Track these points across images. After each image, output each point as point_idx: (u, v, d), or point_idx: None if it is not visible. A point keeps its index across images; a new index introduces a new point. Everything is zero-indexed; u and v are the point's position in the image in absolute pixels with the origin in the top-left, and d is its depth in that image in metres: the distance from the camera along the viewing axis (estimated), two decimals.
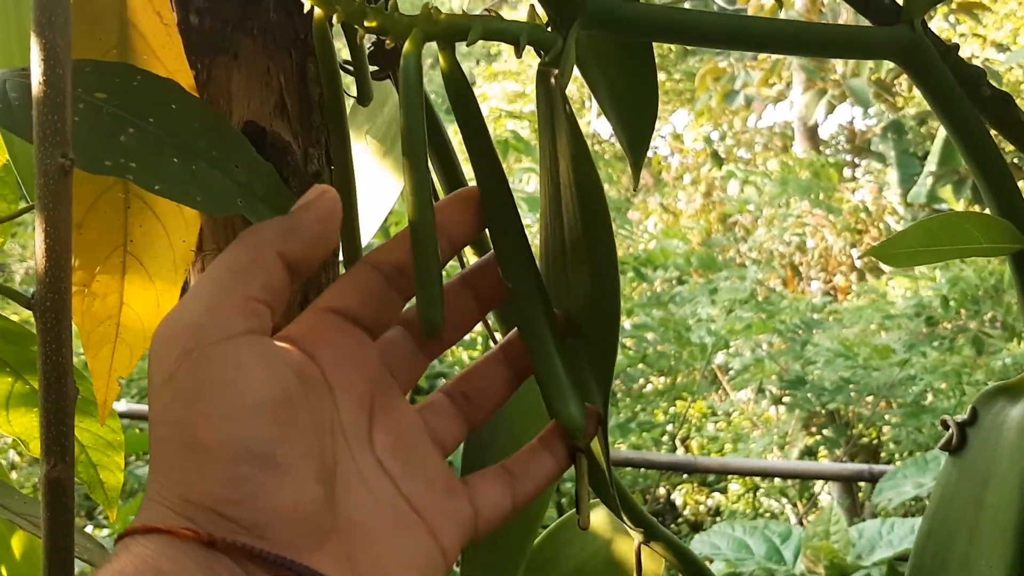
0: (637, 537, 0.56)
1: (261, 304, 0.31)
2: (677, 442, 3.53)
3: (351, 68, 0.47)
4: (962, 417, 0.43)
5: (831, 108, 5.89)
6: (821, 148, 6.45)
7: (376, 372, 0.35)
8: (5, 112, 0.34)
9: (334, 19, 0.36)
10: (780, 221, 4.37)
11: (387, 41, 0.36)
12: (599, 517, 0.61)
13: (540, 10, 0.38)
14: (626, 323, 3.16)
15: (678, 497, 3.64)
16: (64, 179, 0.32)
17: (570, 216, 0.37)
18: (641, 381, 3.21)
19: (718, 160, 5.45)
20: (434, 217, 0.35)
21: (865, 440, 3.56)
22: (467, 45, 0.36)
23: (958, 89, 0.41)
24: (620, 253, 3.40)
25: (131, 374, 0.45)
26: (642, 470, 3.09)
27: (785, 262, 4.56)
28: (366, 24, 0.36)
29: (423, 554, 0.32)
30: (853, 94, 5.07)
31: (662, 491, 3.57)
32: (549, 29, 0.37)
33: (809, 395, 3.14)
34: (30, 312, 0.35)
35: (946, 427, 0.44)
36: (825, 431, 3.55)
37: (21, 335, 0.52)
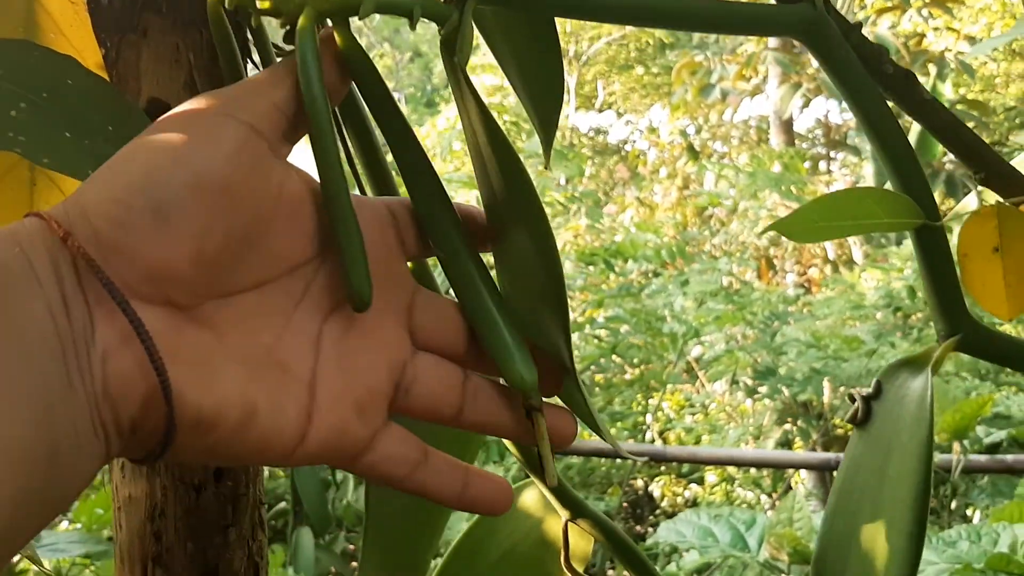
0: (564, 515, 0.56)
1: (284, 113, 0.33)
2: (655, 434, 3.55)
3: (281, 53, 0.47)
4: (867, 390, 0.44)
5: (807, 102, 5.92)
6: (797, 142, 6.47)
7: (390, 288, 0.36)
8: None
9: (226, 2, 0.36)
10: (754, 214, 4.39)
11: (280, 21, 0.36)
12: (530, 497, 0.61)
13: None
14: (599, 315, 3.18)
15: (656, 488, 3.65)
16: None
17: (496, 179, 0.37)
18: (613, 371, 3.22)
19: (694, 154, 5.46)
20: (348, 192, 0.35)
21: (840, 431, 3.59)
22: (359, 19, 0.36)
23: (860, 66, 0.42)
24: (595, 246, 3.41)
25: None
26: (618, 460, 3.10)
27: (760, 255, 4.58)
28: (258, 5, 0.36)
29: (276, 411, 0.32)
30: (827, 87, 5.09)
31: (640, 483, 3.59)
32: (444, 2, 0.37)
33: (781, 386, 3.16)
34: None
35: (853, 401, 0.44)
36: (799, 422, 3.58)
37: None
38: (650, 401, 3.44)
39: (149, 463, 0.32)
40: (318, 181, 0.35)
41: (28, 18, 0.43)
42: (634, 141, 6.80)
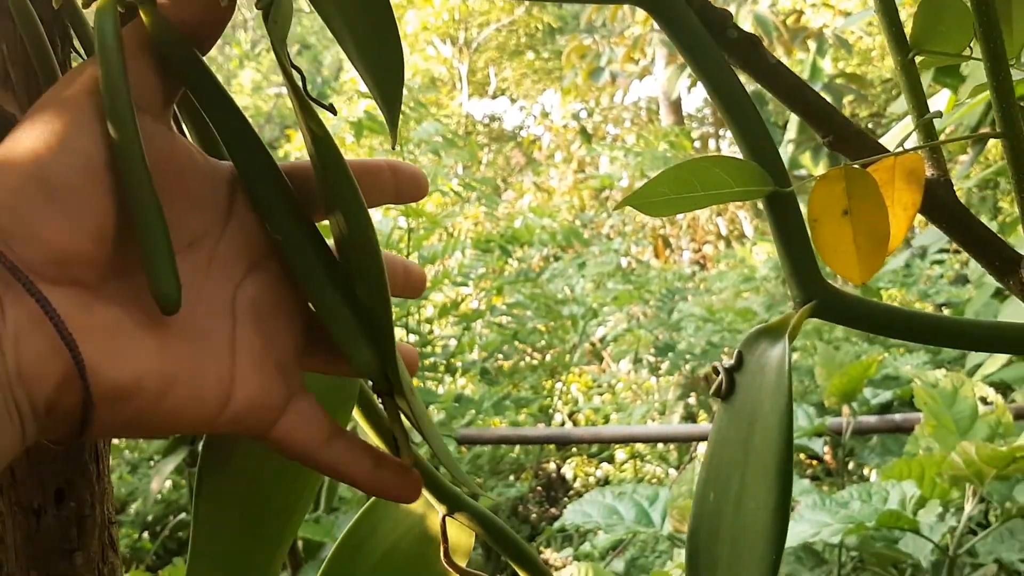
0: (441, 510, 0.55)
1: (159, 80, 0.34)
2: (564, 416, 3.57)
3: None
4: (729, 362, 0.43)
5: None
6: (687, 121, 6.60)
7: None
8: None
9: None
10: None
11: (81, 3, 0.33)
12: None
13: None
14: (499, 303, 3.17)
15: (568, 470, 3.68)
16: None
17: (317, 167, 0.37)
18: (517, 357, 3.23)
19: (587, 137, 5.51)
20: (151, 181, 0.32)
21: None
22: None
23: (703, 32, 0.41)
24: (488, 230, 3.41)
25: None
26: (528, 447, 3.11)
27: (655, 234, 4.65)
28: None
29: (198, 374, 0.33)
30: None
31: (552, 466, 3.61)
32: None
33: (680, 361, 3.21)
34: None
35: (717, 373, 0.44)
36: (701, 396, 3.65)
37: None
38: (558, 385, 3.46)
39: (68, 443, 0.32)
40: (190, 155, 0.35)
41: None
42: (528, 127, 6.82)
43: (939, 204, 0.42)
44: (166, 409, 0.32)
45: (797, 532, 1.52)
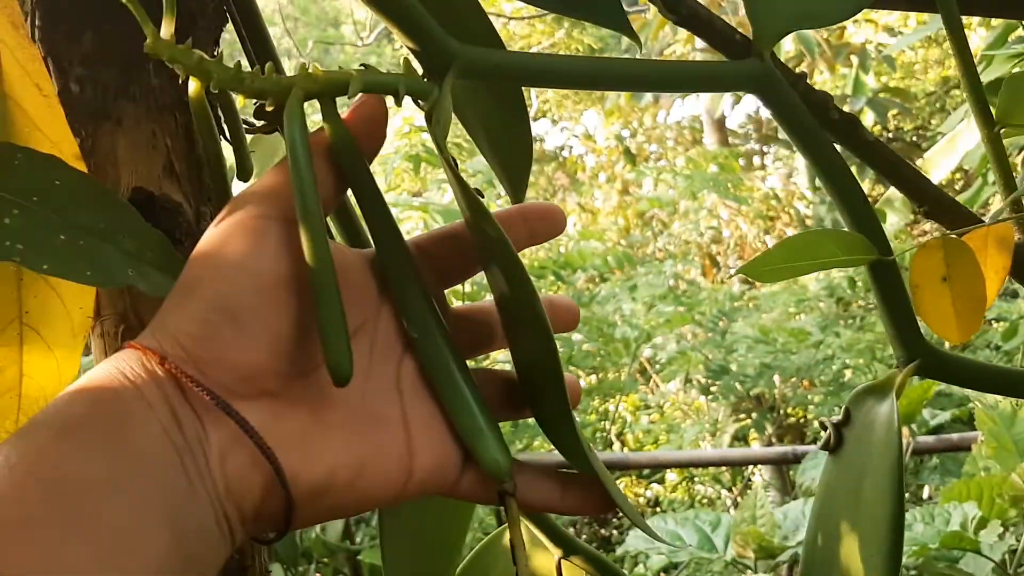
0: (556, 553, 0.58)
1: (331, 181, 0.36)
2: (613, 438, 3.58)
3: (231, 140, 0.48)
4: (837, 418, 0.46)
5: (737, 99, 6.02)
6: (730, 139, 6.59)
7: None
8: None
9: (211, 86, 0.37)
10: (694, 214, 4.46)
11: (267, 104, 0.37)
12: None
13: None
14: None
15: None
16: None
17: (474, 232, 0.38)
18: None
19: (630, 157, 5.53)
20: (334, 269, 0.35)
21: (792, 420, 3.66)
22: (349, 98, 0.38)
23: (808, 114, 0.44)
24: (540, 256, 3.44)
25: None
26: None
27: (703, 253, 4.66)
28: (245, 88, 0.37)
29: (382, 454, 0.35)
30: None
31: None
32: (425, 79, 0.38)
33: (735, 383, 3.22)
34: None
35: (824, 428, 0.47)
36: (753, 415, 3.64)
37: None
38: (608, 407, 3.47)
39: (275, 541, 0.36)
40: (345, 250, 0.38)
41: (2, 116, 0.44)
42: (571, 147, 6.86)
43: None
44: (358, 494, 0.35)
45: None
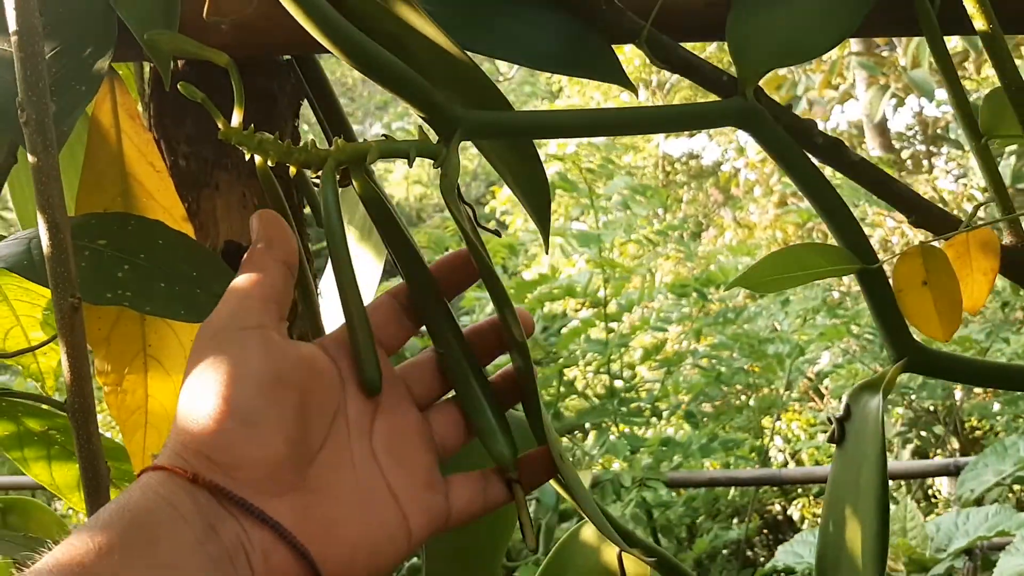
0: (617, 547, 0.64)
1: (271, 303, 0.40)
2: (787, 456, 3.51)
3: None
4: (839, 413, 0.51)
5: (900, 102, 5.79)
6: (894, 142, 6.34)
7: (388, 377, 0.43)
8: (30, 267, 0.45)
9: (269, 161, 0.46)
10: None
11: (311, 172, 0.46)
12: (589, 531, 0.69)
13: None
14: (703, 343, 3.20)
15: (794, 512, 3.61)
16: (75, 314, 0.43)
17: (486, 280, 0.46)
18: (720, 400, 3.23)
19: None
20: (362, 303, 0.43)
21: (979, 434, 3.49)
22: (368, 164, 0.46)
23: (792, 143, 0.49)
24: (684, 275, 3.45)
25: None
26: (744, 488, 3.08)
27: None
28: (293, 160, 0.46)
29: (384, 528, 0.40)
30: (916, 86, 5.00)
31: (777, 507, 3.55)
32: (436, 141, 0.46)
33: (908, 392, 3.11)
34: None
35: (830, 422, 0.51)
36: (935, 428, 3.50)
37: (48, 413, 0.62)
38: (778, 423, 3.41)
39: None
40: (313, 350, 0.42)
41: (124, 189, 0.55)
42: (729, 160, 6.79)
43: (1019, 267, 0.48)
44: (375, 562, 0.39)
45: (1013, 565, 1.48)
